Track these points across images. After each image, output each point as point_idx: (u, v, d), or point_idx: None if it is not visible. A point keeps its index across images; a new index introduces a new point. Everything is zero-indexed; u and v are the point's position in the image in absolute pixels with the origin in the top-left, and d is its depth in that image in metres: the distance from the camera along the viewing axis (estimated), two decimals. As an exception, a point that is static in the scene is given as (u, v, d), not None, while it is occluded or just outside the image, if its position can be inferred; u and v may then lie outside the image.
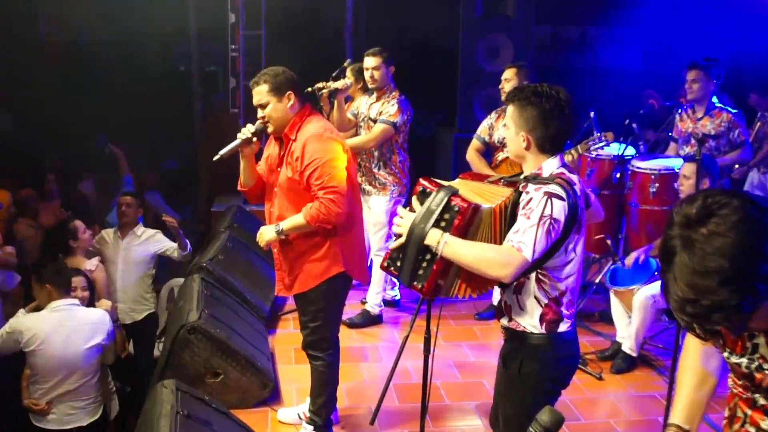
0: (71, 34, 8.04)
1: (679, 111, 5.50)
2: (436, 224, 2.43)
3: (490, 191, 2.51)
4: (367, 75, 5.07)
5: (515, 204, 2.47)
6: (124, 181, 6.53)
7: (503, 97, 4.88)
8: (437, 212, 2.43)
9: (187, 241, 5.47)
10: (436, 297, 2.56)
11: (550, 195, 2.40)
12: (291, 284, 3.59)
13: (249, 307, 4.87)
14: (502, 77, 4.94)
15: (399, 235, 2.51)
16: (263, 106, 3.41)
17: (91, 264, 5.04)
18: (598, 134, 4.79)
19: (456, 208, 2.40)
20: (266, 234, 3.51)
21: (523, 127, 2.52)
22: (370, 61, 5.04)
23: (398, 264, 2.52)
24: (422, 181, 2.53)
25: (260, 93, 3.41)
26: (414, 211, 2.51)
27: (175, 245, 5.42)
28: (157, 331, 5.41)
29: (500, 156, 4.99)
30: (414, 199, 2.54)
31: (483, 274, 2.41)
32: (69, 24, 7.88)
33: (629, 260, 4.69)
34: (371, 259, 5.36)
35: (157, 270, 5.66)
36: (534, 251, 2.36)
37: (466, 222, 2.41)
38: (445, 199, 2.43)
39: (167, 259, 5.55)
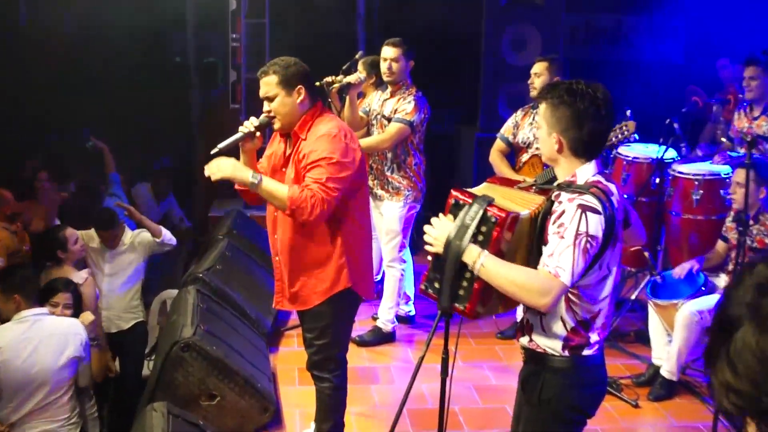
0: (56, 21, 8.10)
1: (738, 108, 5.50)
2: (473, 239, 2.44)
3: (522, 198, 2.53)
4: (383, 66, 5.09)
5: (546, 214, 2.48)
6: (110, 178, 6.55)
7: (532, 93, 4.90)
8: (473, 226, 2.44)
9: (162, 228, 5.54)
10: (479, 318, 2.59)
11: (585, 208, 2.40)
12: (292, 298, 3.60)
13: (249, 322, 4.89)
14: (532, 71, 4.95)
15: (434, 254, 2.52)
16: (270, 99, 3.42)
17: (79, 277, 5.04)
18: (618, 125, 4.76)
19: (493, 220, 2.41)
20: (236, 168, 3.35)
21: (555, 128, 2.53)
22: (389, 52, 5.06)
23: (436, 285, 2.53)
24: (454, 193, 2.54)
25: (268, 84, 3.42)
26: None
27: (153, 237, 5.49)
28: (147, 348, 5.46)
29: (524, 157, 5.00)
30: (447, 215, 2.54)
31: (521, 302, 2.44)
32: (53, 9, 7.94)
33: (680, 270, 4.67)
34: (383, 271, 5.37)
35: (149, 280, 5.70)
36: (573, 275, 2.38)
37: (504, 234, 2.42)
38: (481, 211, 2.43)
39: (159, 269, 5.59)
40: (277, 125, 3.47)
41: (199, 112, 8.28)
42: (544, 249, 2.45)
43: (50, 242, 5.15)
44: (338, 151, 3.35)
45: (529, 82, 4.97)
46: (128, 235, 5.55)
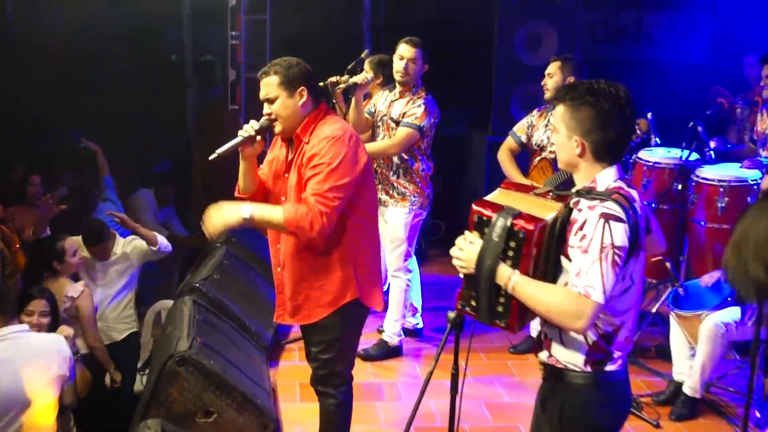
0: (45, 16, 8.11)
1: (762, 108, 5.47)
2: (503, 256, 2.44)
3: (542, 206, 2.51)
4: (399, 65, 5.07)
5: (565, 222, 2.47)
6: (104, 182, 6.56)
7: (546, 95, 4.91)
8: (501, 243, 2.43)
9: (157, 236, 5.55)
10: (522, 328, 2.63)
11: (608, 217, 2.39)
12: (294, 311, 3.59)
13: (248, 334, 4.89)
14: (546, 72, 4.97)
15: (466, 275, 2.53)
16: (271, 101, 3.42)
17: (75, 290, 5.02)
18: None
19: (521, 235, 2.41)
20: (227, 212, 3.32)
21: (576, 131, 2.51)
22: (406, 51, 5.06)
23: (473, 304, 2.55)
24: (476, 208, 2.52)
25: (269, 85, 3.41)
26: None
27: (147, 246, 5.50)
28: (139, 362, 5.44)
29: (536, 161, 5.02)
30: (473, 232, 2.53)
31: (557, 325, 2.45)
32: (43, 4, 7.95)
33: (709, 279, 4.65)
34: (388, 283, 5.36)
35: (142, 289, 5.70)
36: (605, 292, 2.37)
37: (535, 248, 2.43)
38: (508, 224, 2.42)
39: (153, 278, 5.60)
40: (278, 128, 3.45)
41: (196, 113, 8.30)
42: (569, 266, 2.44)
43: (46, 252, 5.13)
44: (341, 156, 3.33)
45: (542, 83, 4.99)
46: (120, 244, 5.56)
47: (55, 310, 4.54)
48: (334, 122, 3.48)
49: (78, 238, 5.41)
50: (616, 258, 2.37)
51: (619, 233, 2.38)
